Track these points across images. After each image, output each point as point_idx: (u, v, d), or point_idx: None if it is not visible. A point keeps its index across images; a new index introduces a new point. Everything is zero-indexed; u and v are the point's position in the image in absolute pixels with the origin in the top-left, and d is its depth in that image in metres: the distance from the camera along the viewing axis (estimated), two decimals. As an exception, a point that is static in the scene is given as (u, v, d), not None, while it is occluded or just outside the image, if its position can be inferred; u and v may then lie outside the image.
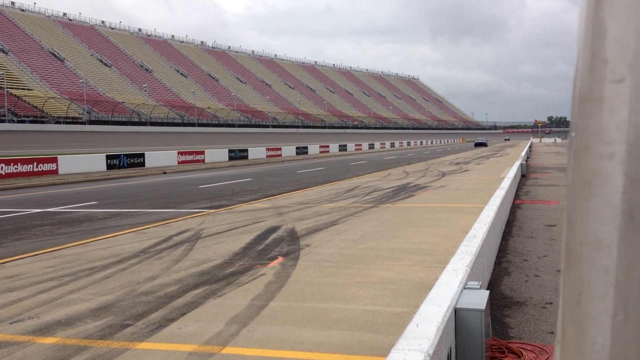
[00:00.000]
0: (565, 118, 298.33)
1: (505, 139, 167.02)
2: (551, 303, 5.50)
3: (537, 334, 4.67)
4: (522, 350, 4.11)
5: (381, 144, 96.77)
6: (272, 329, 4.72)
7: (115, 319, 5.12)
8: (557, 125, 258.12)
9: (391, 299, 5.53)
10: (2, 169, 27.74)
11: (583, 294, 0.62)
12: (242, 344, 4.41)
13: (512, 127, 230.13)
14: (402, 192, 16.76)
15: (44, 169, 30.03)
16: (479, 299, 3.45)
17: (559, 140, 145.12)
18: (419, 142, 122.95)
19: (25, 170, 28.83)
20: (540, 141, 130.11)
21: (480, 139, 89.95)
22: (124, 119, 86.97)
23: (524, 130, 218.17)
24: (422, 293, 5.64)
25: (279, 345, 4.36)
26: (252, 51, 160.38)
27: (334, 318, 4.98)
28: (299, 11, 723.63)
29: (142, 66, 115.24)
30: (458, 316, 3.29)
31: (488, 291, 3.69)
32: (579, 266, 0.63)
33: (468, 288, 3.69)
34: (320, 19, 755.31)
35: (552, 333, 4.67)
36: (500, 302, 5.57)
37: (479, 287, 3.73)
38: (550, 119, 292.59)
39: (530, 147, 52.10)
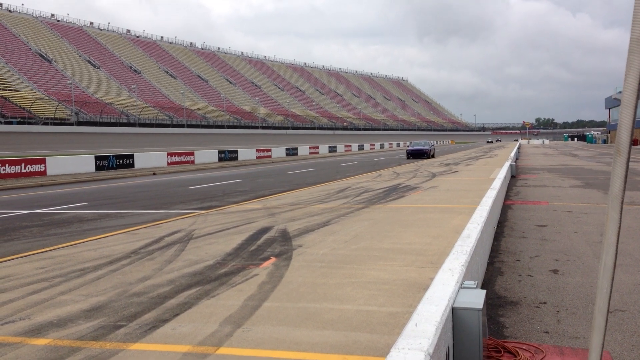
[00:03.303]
0: (553, 120, 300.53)
1: (488, 141, 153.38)
2: (545, 303, 5.52)
3: (531, 333, 4.68)
4: (517, 349, 4.11)
5: (371, 145, 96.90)
6: (267, 329, 4.70)
7: (108, 320, 5.08)
8: (545, 127, 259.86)
9: (385, 299, 5.52)
10: (-11, 170, 27.50)
11: None
12: (236, 345, 4.38)
13: (500, 128, 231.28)
14: (393, 192, 16.78)
15: (32, 170, 29.79)
16: (476, 298, 3.44)
17: (546, 141, 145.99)
18: (408, 143, 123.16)
19: (13, 172, 28.59)
20: (529, 142, 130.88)
21: (418, 144, 49.36)
22: (112, 120, 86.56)
23: (512, 131, 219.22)
24: (416, 293, 5.64)
25: (274, 345, 4.34)
26: (242, 52, 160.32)
27: (328, 318, 4.96)
28: (285, 13, 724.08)
29: (130, 67, 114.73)
30: (456, 315, 3.28)
31: (485, 290, 3.68)
32: None
33: (465, 287, 3.68)
34: (307, 21, 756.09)
35: (547, 332, 4.67)
36: (495, 302, 5.57)
37: (475, 286, 3.73)
38: (538, 120, 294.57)
39: (518, 148, 52.39)
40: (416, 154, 46.72)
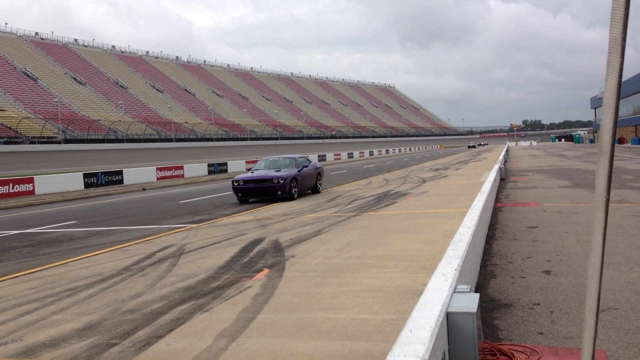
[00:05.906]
0: (540, 121, 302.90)
1: (470, 146, 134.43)
2: (538, 304, 5.53)
3: (526, 334, 4.68)
4: (513, 351, 4.12)
5: (360, 152, 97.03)
6: (262, 342, 4.67)
7: (101, 339, 5.03)
8: (532, 129, 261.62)
9: (379, 306, 5.52)
10: (-23, 192, 27.28)
11: None
12: (232, 358, 4.35)
13: (488, 131, 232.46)
14: (384, 199, 16.80)
15: (20, 190, 29.57)
16: (470, 302, 3.45)
17: (534, 143, 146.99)
18: (397, 149, 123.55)
19: (1, 192, 28.36)
20: (517, 145, 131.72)
21: (266, 165, 20.58)
22: (100, 137, 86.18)
23: (500, 134, 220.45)
24: (410, 299, 5.64)
25: (270, 357, 4.32)
26: (228, 64, 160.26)
27: (323, 328, 4.94)
28: (266, 24, 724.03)
29: (117, 83, 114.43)
30: (450, 320, 3.28)
31: (478, 294, 3.69)
32: None
33: (458, 292, 3.69)
34: (290, 31, 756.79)
35: (542, 333, 4.68)
36: (489, 305, 5.58)
37: (468, 290, 3.73)
38: (525, 122, 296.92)
39: (507, 150, 52.68)
40: (256, 191, 18.69)
